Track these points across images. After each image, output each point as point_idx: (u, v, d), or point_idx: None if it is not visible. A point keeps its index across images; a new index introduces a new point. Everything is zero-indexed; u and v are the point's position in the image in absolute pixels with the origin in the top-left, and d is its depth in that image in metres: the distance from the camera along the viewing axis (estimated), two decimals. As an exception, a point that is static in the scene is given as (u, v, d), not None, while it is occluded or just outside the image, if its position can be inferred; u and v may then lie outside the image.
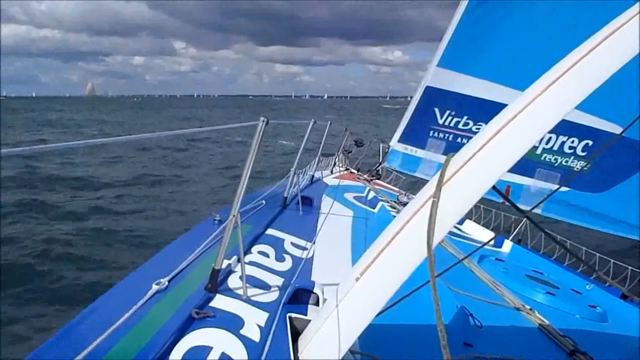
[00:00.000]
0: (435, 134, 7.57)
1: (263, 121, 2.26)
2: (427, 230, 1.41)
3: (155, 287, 1.96)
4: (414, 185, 8.18)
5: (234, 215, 2.14)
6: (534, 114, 1.42)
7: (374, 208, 5.18)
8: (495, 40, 6.77)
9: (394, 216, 4.87)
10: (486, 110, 6.78)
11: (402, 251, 1.50)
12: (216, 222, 3.03)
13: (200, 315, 1.84)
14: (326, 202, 4.72)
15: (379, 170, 8.37)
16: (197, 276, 2.19)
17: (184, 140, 27.91)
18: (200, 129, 2.26)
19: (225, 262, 2.27)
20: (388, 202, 5.85)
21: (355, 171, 8.14)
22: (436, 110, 7.51)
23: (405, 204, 5.89)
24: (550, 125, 1.40)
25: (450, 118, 7.40)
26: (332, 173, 7.15)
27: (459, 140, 7.34)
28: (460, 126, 7.34)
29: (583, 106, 1.38)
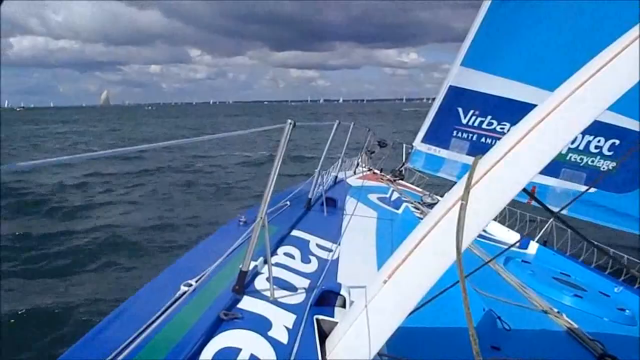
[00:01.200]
0: (459, 134, 7.49)
1: (290, 123, 2.29)
2: (456, 234, 1.40)
3: (183, 289, 1.99)
4: (438, 185, 8.12)
5: (261, 217, 2.16)
6: (564, 116, 1.39)
7: (398, 209, 5.16)
8: (519, 39, 6.66)
9: (418, 217, 4.85)
10: (511, 109, 6.68)
11: (430, 254, 1.49)
12: (241, 223, 3.07)
13: (228, 316, 1.87)
14: (350, 203, 4.72)
15: (402, 170, 8.33)
16: (225, 278, 2.21)
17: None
18: (227, 134, 2.28)
19: (252, 264, 2.29)
20: (412, 203, 5.82)
21: (378, 172, 8.12)
22: (460, 110, 7.43)
23: (429, 205, 5.88)
24: (582, 127, 1.37)
25: (474, 118, 7.31)
26: (355, 174, 7.14)
27: (483, 140, 7.25)
28: (484, 126, 7.25)
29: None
